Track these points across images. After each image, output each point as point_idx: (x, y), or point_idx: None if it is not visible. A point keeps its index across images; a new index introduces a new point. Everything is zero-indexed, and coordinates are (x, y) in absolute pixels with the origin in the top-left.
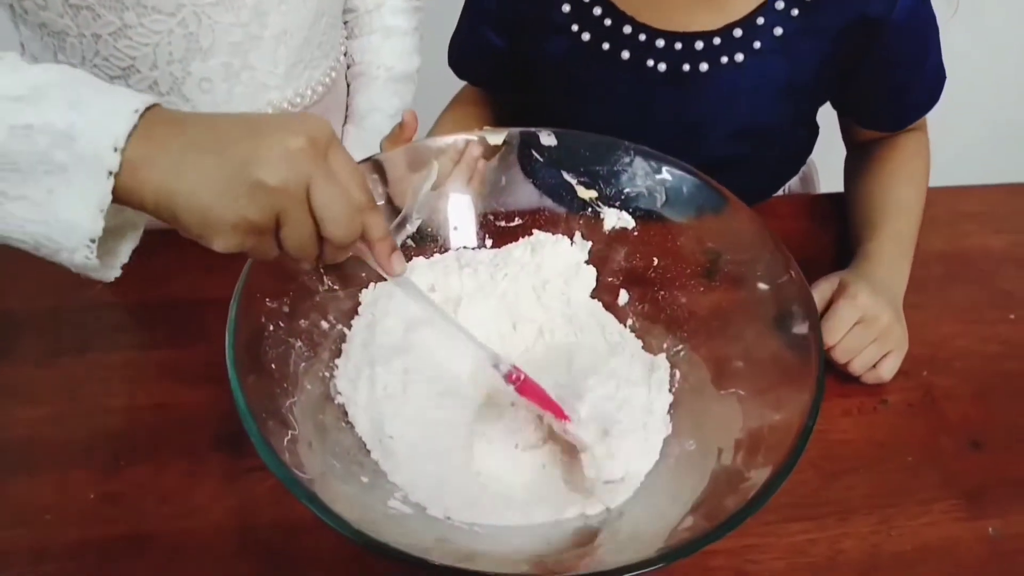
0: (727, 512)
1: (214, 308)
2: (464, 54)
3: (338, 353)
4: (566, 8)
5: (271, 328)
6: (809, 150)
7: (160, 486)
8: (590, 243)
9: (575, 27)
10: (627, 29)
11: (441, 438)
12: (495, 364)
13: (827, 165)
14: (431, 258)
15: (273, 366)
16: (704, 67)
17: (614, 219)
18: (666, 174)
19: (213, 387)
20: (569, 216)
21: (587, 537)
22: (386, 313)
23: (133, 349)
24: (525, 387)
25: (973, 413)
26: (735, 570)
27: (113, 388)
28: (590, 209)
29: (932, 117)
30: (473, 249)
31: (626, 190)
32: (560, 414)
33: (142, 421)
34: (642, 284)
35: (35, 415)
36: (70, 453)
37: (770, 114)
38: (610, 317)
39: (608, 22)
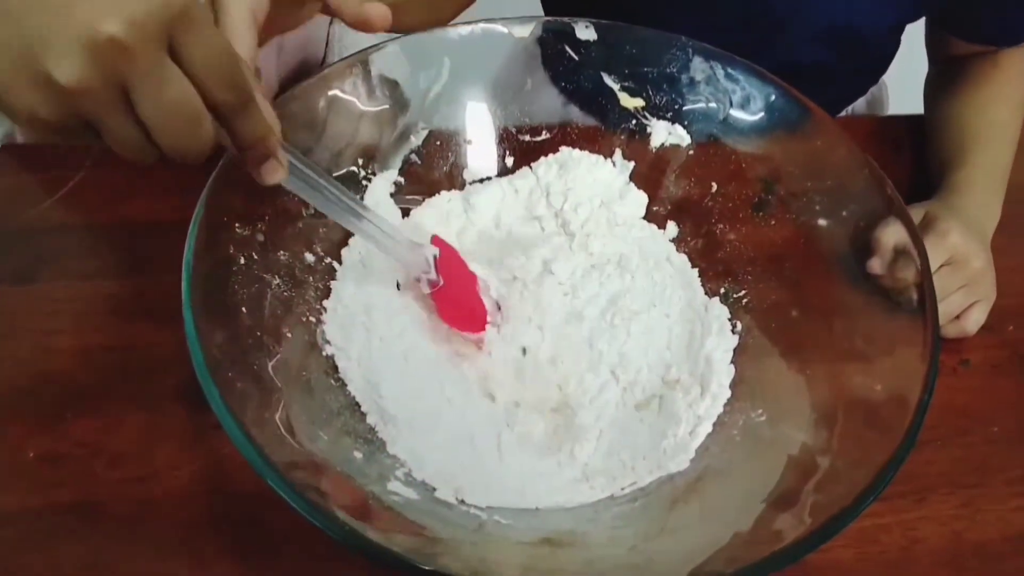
0: (815, 513)
1: (179, 232)
2: None
3: (327, 293)
4: None
5: (242, 261)
6: (888, 65)
7: (112, 445)
8: (632, 163)
9: None
10: None
11: (452, 400)
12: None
13: (897, 83)
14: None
15: (244, 310)
16: None
17: (664, 134)
18: (732, 79)
19: (177, 327)
20: (608, 130)
21: (624, 524)
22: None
23: (83, 279)
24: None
25: None
26: None
27: (58, 325)
28: (635, 121)
29: None
30: (483, 181)
31: (681, 99)
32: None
33: (92, 365)
34: (696, 216)
35: None
36: (4, 403)
37: (868, 13)
38: (670, 247)
39: None
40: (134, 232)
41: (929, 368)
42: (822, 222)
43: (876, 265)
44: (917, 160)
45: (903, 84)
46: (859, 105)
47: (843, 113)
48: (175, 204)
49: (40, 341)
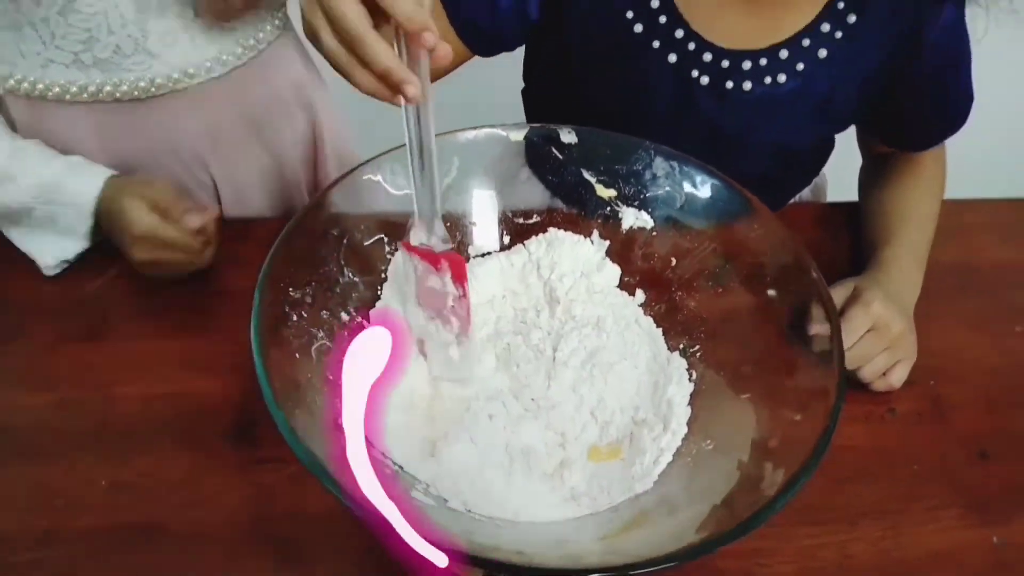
0: (743, 515)
1: (230, 298)
2: (475, 9)
3: None
4: None
5: (294, 318)
6: (825, 163)
7: (170, 475)
8: (607, 242)
9: (630, 14)
10: (679, 33)
11: (474, 439)
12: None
13: (836, 175)
14: None
15: (297, 356)
16: (747, 86)
17: (632, 218)
18: (687, 175)
19: (226, 377)
20: (587, 215)
21: (603, 531)
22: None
23: (146, 337)
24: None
25: (980, 423)
26: (744, 572)
27: (122, 376)
28: (608, 208)
29: None
30: (484, 256)
31: (646, 190)
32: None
33: (152, 410)
34: (659, 285)
35: (44, 401)
36: (81, 440)
37: (805, 133)
38: (638, 310)
39: (663, 19)
40: (187, 299)
41: (835, 402)
42: (766, 293)
43: (814, 328)
44: (854, 241)
45: (843, 175)
46: (805, 193)
47: (792, 200)
48: (220, 275)
49: (107, 390)
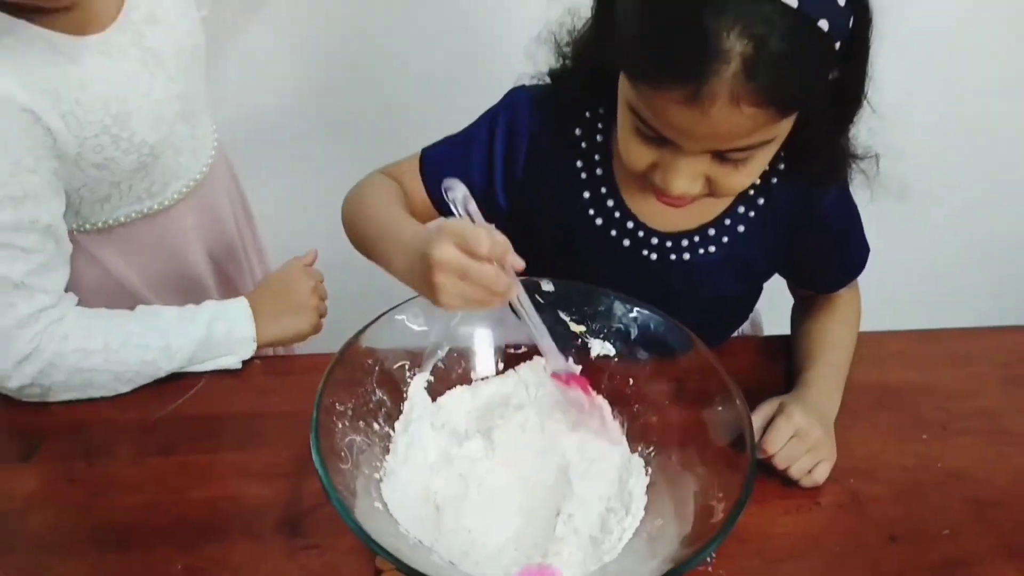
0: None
1: (276, 420)
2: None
3: (387, 449)
4: (586, 195)
5: (339, 426)
6: (753, 307)
7: (233, 560)
8: (579, 367)
9: (591, 211)
10: (630, 224)
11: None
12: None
13: (770, 313)
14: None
15: (343, 454)
16: (686, 256)
17: (599, 348)
18: (640, 315)
19: (273, 482)
20: (563, 346)
21: None
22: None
23: (207, 452)
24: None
25: (891, 513)
26: None
27: (193, 483)
28: (580, 340)
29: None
30: (484, 379)
31: (609, 326)
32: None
33: (217, 509)
34: (621, 400)
35: (132, 502)
36: (162, 533)
37: (733, 288)
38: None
39: (617, 214)
40: (242, 421)
41: (745, 480)
42: (703, 410)
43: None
44: (787, 366)
45: (781, 313)
46: (745, 327)
47: (734, 335)
48: (268, 402)
49: (179, 494)
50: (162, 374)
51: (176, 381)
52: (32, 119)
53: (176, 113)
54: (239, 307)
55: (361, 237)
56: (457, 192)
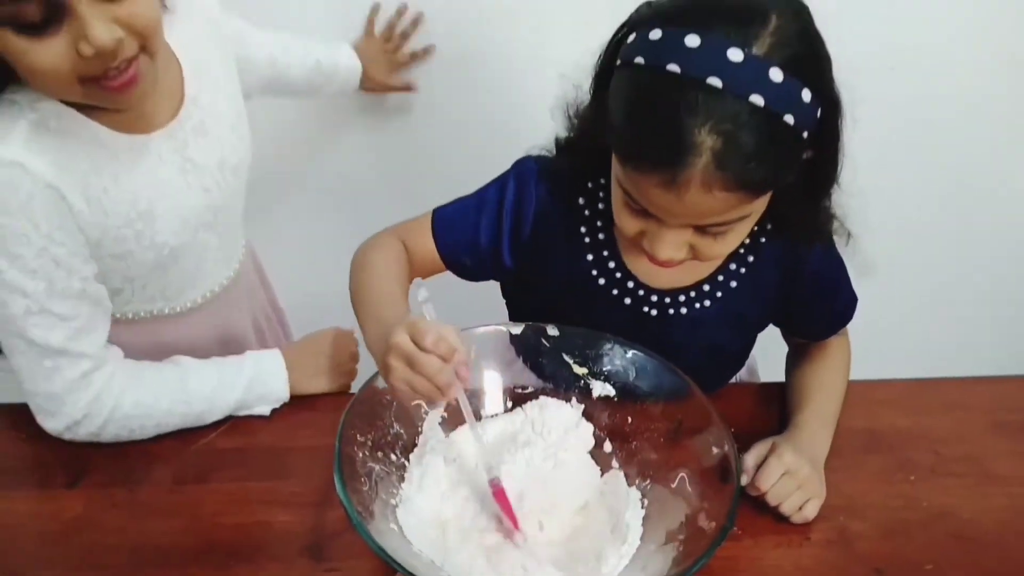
0: None
1: (297, 453)
2: (458, 245)
3: (402, 478)
4: (590, 257)
5: (360, 456)
6: (748, 355)
7: None
8: (583, 406)
9: (594, 272)
10: (631, 284)
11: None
12: (488, 469)
13: (766, 361)
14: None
15: (362, 480)
16: (683, 311)
17: (600, 388)
18: (639, 359)
19: (299, 510)
20: (566, 387)
21: None
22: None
23: (238, 481)
24: (499, 495)
25: (878, 548)
26: None
27: (225, 509)
28: (582, 381)
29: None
30: (494, 416)
31: (609, 368)
32: (515, 524)
33: (246, 533)
34: (621, 437)
35: (168, 526)
36: (196, 555)
37: (728, 339)
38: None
39: (618, 275)
40: (269, 454)
41: (730, 508)
42: (696, 447)
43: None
44: (781, 411)
45: (778, 360)
46: (742, 374)
47: (732, 381)
48: (293, 436)
49: (211, 519)
50: (202, 424)
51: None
52: (57, 196)
53: (204, 223)
54: (277, 370)
55: (355, 297)
56: (422, 293)
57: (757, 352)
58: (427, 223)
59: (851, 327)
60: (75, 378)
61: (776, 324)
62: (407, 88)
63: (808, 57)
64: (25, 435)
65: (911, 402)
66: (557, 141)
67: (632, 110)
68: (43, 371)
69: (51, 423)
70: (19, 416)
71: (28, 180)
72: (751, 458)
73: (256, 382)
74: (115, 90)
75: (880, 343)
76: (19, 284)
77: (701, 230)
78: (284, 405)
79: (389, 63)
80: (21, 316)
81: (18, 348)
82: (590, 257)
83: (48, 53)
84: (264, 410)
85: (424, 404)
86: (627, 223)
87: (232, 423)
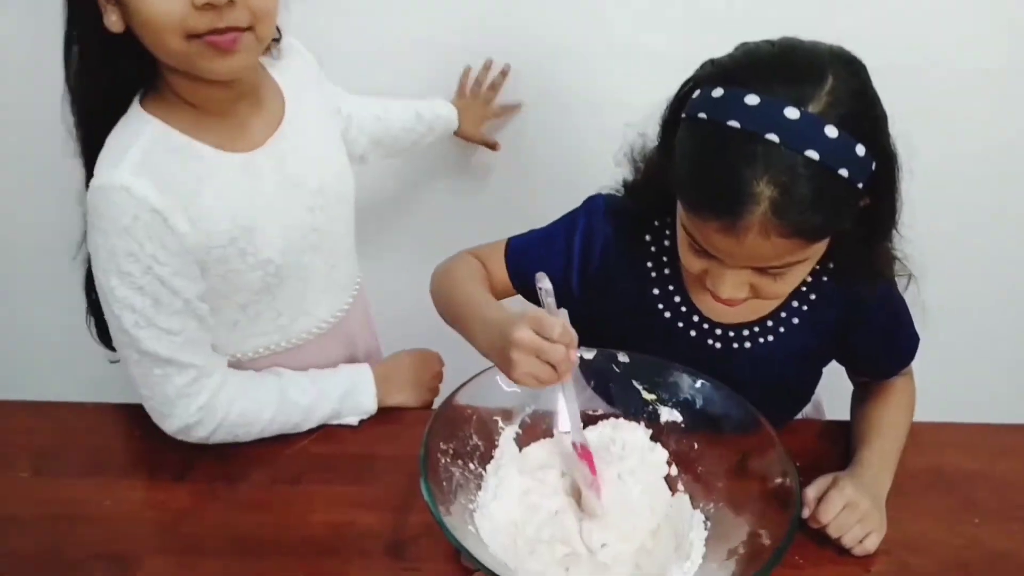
0: None
1: (382, 461)
2: (529, 272)
3: (479, 486)
4: (656, 291)
5: (442, 462)
6: (813, 391)
7: None
8: (651, 430)
9: (660, 305)
10: (695, 318)
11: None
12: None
13: (832, 398)
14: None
15: (443, 484)
16: (747, 345)
17: (667, 414)
18: (702, 386)
19: (382, 513)
20: (637, 411)
21: None
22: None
23: (330, 483)
24: (586, 455)
25: None
26: None
27: (315, 508)
28: (651, 407)
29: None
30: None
31: (677, 396)
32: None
33: (334, 531)
34: (687, 462)
35: (264, 520)
36: (287, 548)
37: (792, 374)
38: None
39: (684, 309)
40: (356, 460)
41: (789, 530)
42: (761, 477)
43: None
44: (845, 448)
45: (838, 398)
46: (808, 410)
47: (798, 416)
48: (377, 445)
49: (302, 517)
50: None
51: None
52: (160, 219)
53: (310, 244)
54: (367, 385)
55: (448, 308)
56: (545, 284)
57: (824, 391)
58: (501, 250)
59: (917, 368)
60: (184, 384)
61: (840, 362)
62: (492, 146)
63: (862, 115)
64: (140, 433)
65: (978, 445)
66: (624, 183)
67: (696, 161)
68: (155, 378)
69: (167, 424)
70: (134, 415)
71: (134, 204)
72: (812, 491)
73: (349, 395)
74: (216, 46)
75: (945, 385)
76: (128, 300)
77: (761, 271)
78: (371, 416)
79: (480, 115)
80: (132, 329)
81: (131, 358)
82: (656, 291)
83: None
84: (353, 420)
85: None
86: (691, 262)
87: (323, 431)
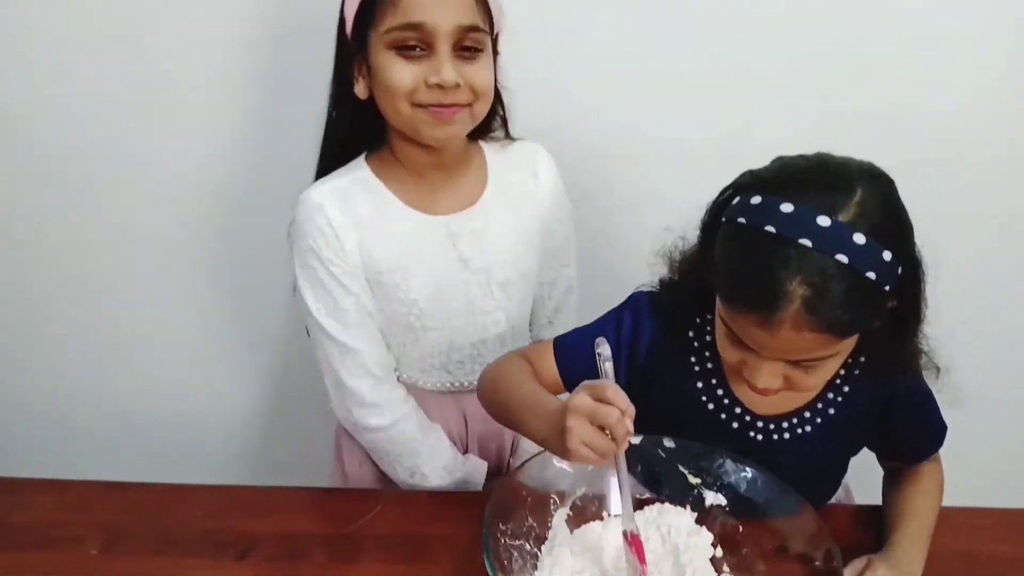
0: None
1: (435, 540)
2: (578, 368)
3: (535, 566)
4: (699, 384)
5: (503, 542)
6: (843, 477)
7: None
8: (696, 514)
9: (704, 398)
10: (738, 410)
11: None
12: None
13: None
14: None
15: (505, 563)
16: (786, 436)
17: (712, 498)
18: (748, 472)
19: None
20: (681, 495)
21: None
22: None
23: (384, 563)
24: (636, 544)
25: None
26: None
27: None
28: (695, 491)
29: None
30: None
31: (721, 480)
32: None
33: None
34: (732, 543)
35: None
36: None
37: (828, 462)
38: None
39: (726, 401)
40: (417, 540)
41: None
42: (804, 563)
43: None
44: (878, 532)
45: (874, 485)
46: (840, 494)
47: (830, 502)
48: (434, 524)
49: None
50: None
51: (360, 503)
52: (331, 229)
53: (459, 309)
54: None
55: (504, 402)
56: (604, 351)
57: (850, 476)
58: (549, 349)
59: (945, 455)
60: (356, 364)
61: (872, 449)
62: None
63: (889, 224)
64: (202, 513)
65: (1010, 530)
66: (661, 281)
67: (735, 261)
68: (336, 357)
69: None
70: (196, 496)
71: (321, 217)
72: (849, 572)
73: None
74: (436, 115)
75: (971, 472)
76: (310, 287)
77: (794, 364)
78: (423, 495)
79: None
80: (316, 314)
81: (319, 341)
82: (700, 384)
83: (406, 71)
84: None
85: (593, 465)
86: (729, 353)
87: (379, 512)
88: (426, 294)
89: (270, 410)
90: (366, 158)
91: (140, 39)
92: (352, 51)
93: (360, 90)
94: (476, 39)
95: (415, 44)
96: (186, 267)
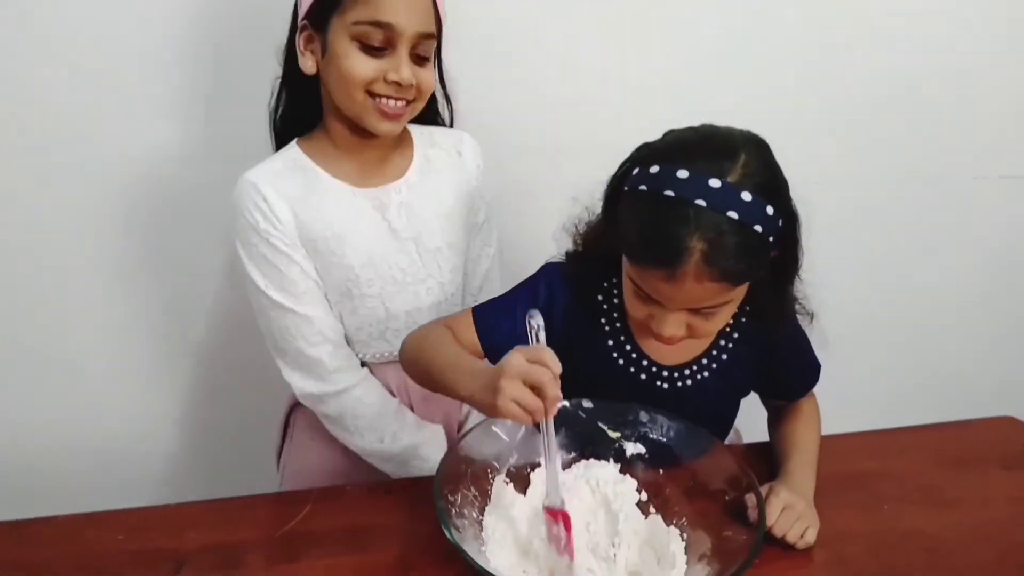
0: None
1: (375, 530)
2: (498, 337)
3: (480, 528)
4: (610, 343)
5: (453, 512)
6: (735, 418)
7: None
8: (619, 464)
9: (615, 355)
10: (644, 363)
11: None
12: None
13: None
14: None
15: (454, 522)
16: (689, 383)
17: (632, 448)
18: (662, 421)
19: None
20: (605, 448)
21: None
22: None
23: (329, 557)
24: (565, 520)
25: (869, 564)
26: None
27: None
28: (617, 444)
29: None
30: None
31: (639, 431)
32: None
33: None
34: (655, 486)
35: None
36: None
37: (726, 406)
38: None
39: (634, 356)
40: (349, 531)
41: (752, 547)
42: (721, 492)
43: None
44: (767, 464)
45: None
46: (732, 437)
47: (725, 443)
48: (371, 517)
49: None
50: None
51: (290, 504)
52: (266, 204)
53: (395, 278)
54: (438, 447)
55: (427, 363)
56: (537, 320)
57: (740, 420)
58: (468, 317)
59: (818, 390)
60: (312, 332)
61: (757, 391)
62: None
63: (769, 182)
64: (123, 535)
65: (873, 448)
66: (568, 253)
67: (640, 223)
68: (291, 328)
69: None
70: (111, 522)
71: (256, 193)
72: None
73: (421, 447)
74: (384, 113)
75: (840, 402)
76: (254, 265)
77: (695, 312)
78: (355, 490)
79: None
80: (266, 290)
81: (273, 318)
82: (610, 343)
83: (368, 64)
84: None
85: (521, 422)
86: (637, 309)
87: (311, 509)
88: (360, 261)
89: (191, 430)
90: (297, 143)
91: (67, 39)
92: (303, 26)
93: (308, 65)
94: (428, 47)
95: (380, 44)
96: (96, 278)
